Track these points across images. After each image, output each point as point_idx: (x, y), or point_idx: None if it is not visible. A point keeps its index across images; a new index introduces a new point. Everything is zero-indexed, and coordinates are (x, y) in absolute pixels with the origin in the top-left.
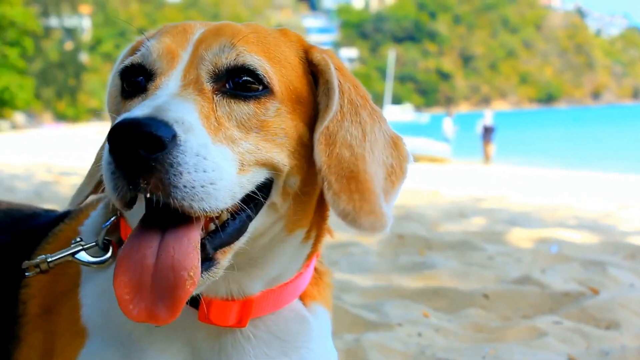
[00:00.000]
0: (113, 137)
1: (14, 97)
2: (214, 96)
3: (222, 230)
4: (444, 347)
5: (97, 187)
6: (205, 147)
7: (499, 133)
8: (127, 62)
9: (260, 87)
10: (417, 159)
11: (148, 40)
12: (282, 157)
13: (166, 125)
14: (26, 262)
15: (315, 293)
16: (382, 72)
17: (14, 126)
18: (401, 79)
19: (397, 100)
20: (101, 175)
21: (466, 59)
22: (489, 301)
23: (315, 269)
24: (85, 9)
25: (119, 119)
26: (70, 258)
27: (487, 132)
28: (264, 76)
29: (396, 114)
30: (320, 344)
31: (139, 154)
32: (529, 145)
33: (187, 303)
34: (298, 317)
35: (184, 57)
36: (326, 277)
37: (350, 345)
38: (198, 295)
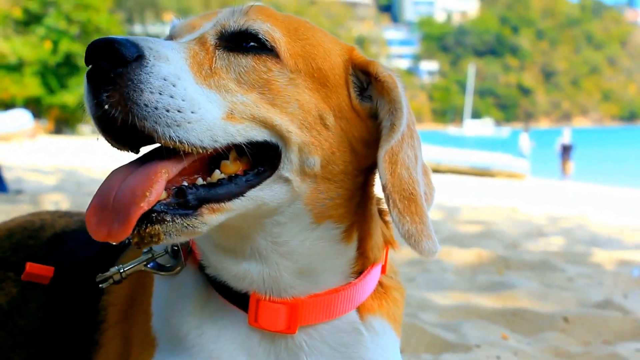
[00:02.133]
0: (86, 51)
1: None
2: (216, 50)
3: (212, 187)
4: None
5: None
6: (177, 78)
7: (579, 150)
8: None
9: (260, 47)
10: (494, 175)
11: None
12: (288, 125)
13: (136, 47)
14: (100, 274)
15: (375, 307)
16: (462, 85)
17: (95, 130)
18: (481, 93)
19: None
20: None
21: (548, 75)
22: (569, 325)
23: (381, 283)
24: (168, 16)
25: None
26: (142, 267)
27: (566, 150)
28: (267, 40)
29: (476, 128)
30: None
31: (99, 64)
32: (611, 164)
33: (236, 304)
34: (351, 329)
35: (203, 27)
36: (394, 292)
37: None
38: (246, 293)
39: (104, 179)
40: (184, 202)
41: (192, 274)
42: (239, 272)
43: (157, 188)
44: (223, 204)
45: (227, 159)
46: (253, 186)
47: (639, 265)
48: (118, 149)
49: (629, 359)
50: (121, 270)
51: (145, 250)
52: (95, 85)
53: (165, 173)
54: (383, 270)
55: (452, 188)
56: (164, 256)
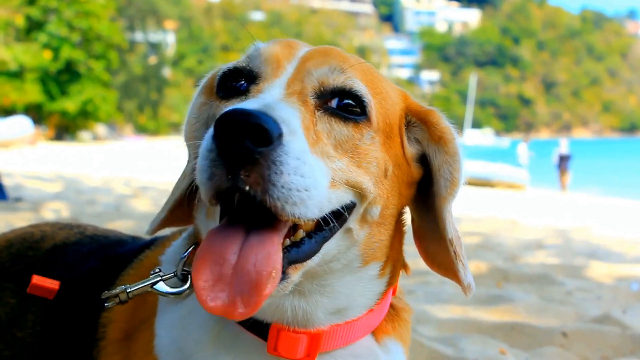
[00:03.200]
0: (221, 124)
1: (97, 109)
2: (316, 111)
3: (298, 247)
4: None
5: (172, 212)
6: (305, 153)
7: (579, 161)
8: (231, 65)
9: (360, 112)
10: (494, 185)
11: (255, 44)
12: (370, 185)
13: (275, 122)
14: (106, 292)
15: (389, 329)
16: (463, 95)
17: (96, 137)
18: (482, 103)
19: (476, 125)
20: (174, 200)
21: (548, 85)
22: (568, 340)
23: (392, 305)
24: (169, 24)
25: (227, 108)
26: (149, 288)
27: (563, 160)
28: (367, 103)
29: (477, 138)
30: None
31: (245, 144)
32: (610, 175)
33: (255, 333)
34: (369, 353)
35: (289, 69)
36: (404, 313)
37: None
38: (267, 324)
39: (205, 239)
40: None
41: None
42: (270, 305)
43: (279, 267)
44: (305, 262)
45: None
46: (326, 240)
47: (638, 280)
48: (211, 204)
49: None
50: (128, 290)
51: (152, 271)
52: (233, 162)
53: (280, 246)
54: (394, 292)
55: None
56: (172, 278)
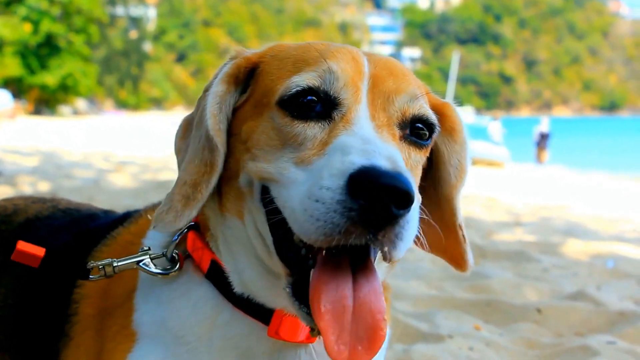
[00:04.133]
0: (367, 185)
1: (77, 84)
2: (400, 142)
3: None
4: None
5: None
6: (418, 201)
7: (558, 140)
8: (304, 84)
9: (427, 136)
10: (474, 162)
11: (326, 62)
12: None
13: (410, 183)
14: (92, 262)
15: None
16: (444, 73)
17: (76, 112)
18: (463, 81)
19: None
20: (206, 198)
21: (529, 64)
22: (542, 316)
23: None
24: None
25: (361, 163)
26: (134, 265)
27: (543, 138)
28: (435, 129)
29: None
30: (378, 358)
31: (392, 211)
32: (589, 154)
33: (256, 317)
34: None
35: (363, 90)
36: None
37: (400, 355)
38: (271, 310)
39: (318, 278)
40: None
41: (199, 284)
42: (284, 298)
43: (385, 307)
44: None
45: None
46: None
47: (614, 257)
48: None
49: (600, 351)
50: (114, 265)
51: (141, 249)
52: (375, 224)
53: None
54: None
55: None
56: (159, 258)
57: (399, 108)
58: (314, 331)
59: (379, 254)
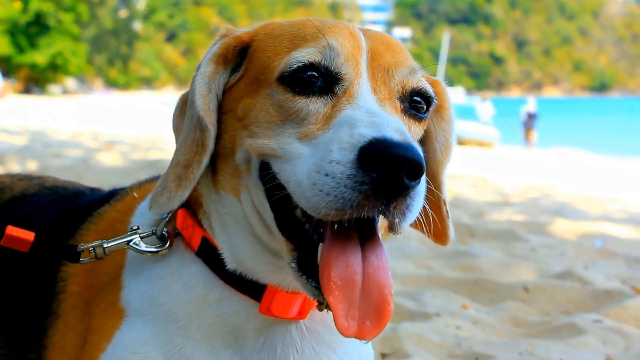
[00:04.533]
0: (380, 159)
1: (67, 63)
2: (401, 115)
3: None
4: (481, 341)
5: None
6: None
7: (548, 120)
8: (306, 59)
9: (425, 108)
10: (464, 143)
11: (325, 37)
12: None
13: (421, 155)
14: (82, 244)
15: None
16: (435, 53)
17: (65, 91)
18: (453, 61)
19: (448, 83)
20: (197, 179)
21: (520, 44)
22: (529, 295)
23: None
24: None
25: (372, 135)
26: (125, 245)
27: (530, 118)
28: (432, 101)
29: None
30: None
31: (405, 183)
32: (579, 133)
33: (248, 294)
34: None
35: (363, 64)
36: None
37: (387, 333)
38: (263, 285)
39: (327, 252)
40: None
41: (190, 262)
42: (278, 271)
43: (391, 282)
44: None
45: None
46: None
47: (602, 236)
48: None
49: (586, 329)
50: (105, 246)
51: (130, 228)
52: (387, 196)
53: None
54: None
55: None
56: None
57: (399, 81)
58: (322, 304)
59: (385, 225)
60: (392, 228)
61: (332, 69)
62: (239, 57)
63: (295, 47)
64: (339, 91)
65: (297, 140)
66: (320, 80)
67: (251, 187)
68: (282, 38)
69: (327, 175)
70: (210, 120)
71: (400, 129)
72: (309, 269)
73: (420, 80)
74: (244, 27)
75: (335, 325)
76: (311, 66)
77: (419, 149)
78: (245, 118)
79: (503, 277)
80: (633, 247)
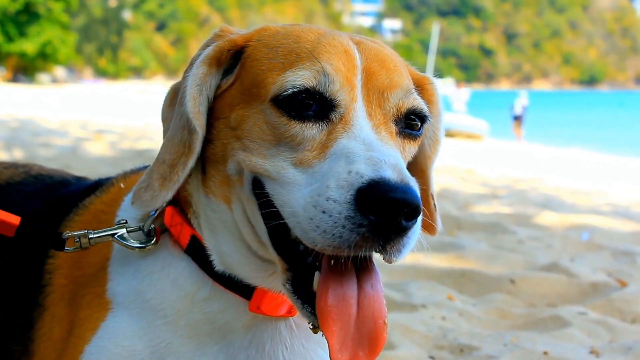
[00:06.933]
0: (379, 201)
1: (56, 51)
2: (395, 138)
3: None
4: (466, 332)
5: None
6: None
7: (537, 113)
8: (300, 84)
9: (419, 125)
10: (453, 135)
11: (320, 62)
12: None
13: (418, 195)
14: (67, 232)
15: None
16: (425, 45)
17: (55, 80)
18: (443, 53)
19: (438, 75)
20: (182, 180)
21: (510, 37)
22: (515, 287)
23: None
24: None
25: (369, 177)
26: (110, 238)
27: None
28: (426, 119)
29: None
30: None
31: (402, 225)
32: (567, 127)
33: (237, 293)
34: None
35: (358, 86)
36: None
37: None
38: (253, 287)
39: (324, 284)
40: None
41: (179, 259)
42: (267, 277)
43: (386, 313)
44: None
45: None
46: None
47: (588, 229)
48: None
49: (571, 321)
50: (90, 237)
51: (117, 221)
52: (384, 237)
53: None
54: None
55: None
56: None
57: (394, 104)
58: (317, 328)
59: (380, 255)
60: (386, 260)
61: (327, 96)
62: (232, 59)
63: (289, 66)
64: (334, 118)
65: (292, 165)
66: (315, 105)
67: (244, 199)
68: (277, 51)
69: (324, 212)
70: (199, 124)
71: (398, 165)
72: (305, 295)
73: (415, 100)
74: (236, 25)
75: (330, 355)
76: (306, 91)
77: (416, 188)
78: (239, 129)
79: (490, 269)
80: (619, 240)
